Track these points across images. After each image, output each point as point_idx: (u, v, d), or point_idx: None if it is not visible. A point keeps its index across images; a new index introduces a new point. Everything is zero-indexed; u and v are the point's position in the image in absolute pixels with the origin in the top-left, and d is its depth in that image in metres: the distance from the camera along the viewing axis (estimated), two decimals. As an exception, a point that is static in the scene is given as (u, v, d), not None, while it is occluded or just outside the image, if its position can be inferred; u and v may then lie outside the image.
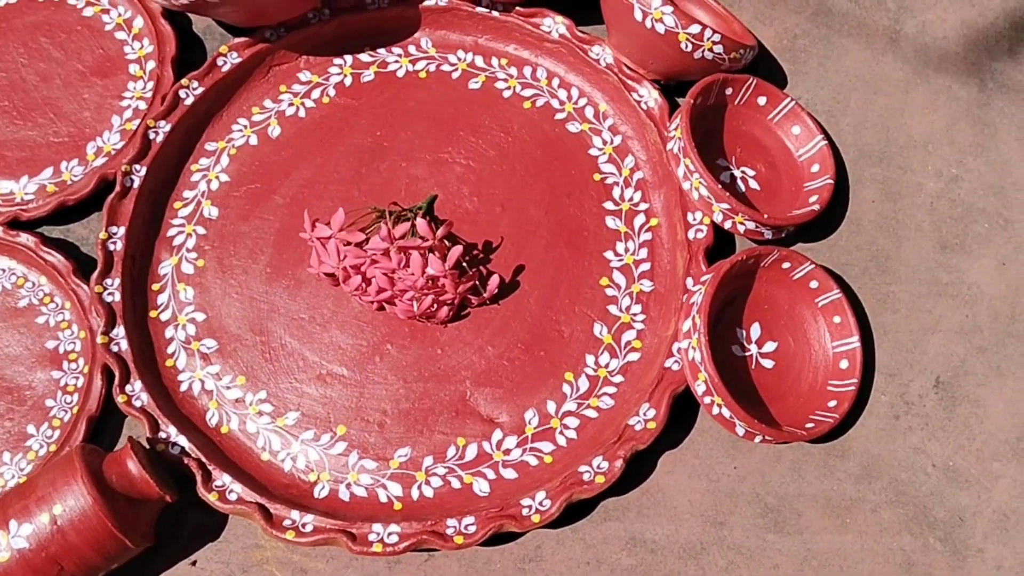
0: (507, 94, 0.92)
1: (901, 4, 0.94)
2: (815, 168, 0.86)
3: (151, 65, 0.94)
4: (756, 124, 0.88)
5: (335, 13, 0.93)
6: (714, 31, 0.81)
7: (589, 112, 0.91)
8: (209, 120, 0.91)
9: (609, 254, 0.85)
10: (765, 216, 0.80)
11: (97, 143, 0.91)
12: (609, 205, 0.87)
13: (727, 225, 0.81)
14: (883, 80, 0.91)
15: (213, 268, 0.85)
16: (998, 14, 0.94)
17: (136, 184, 0.86)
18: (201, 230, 0.87)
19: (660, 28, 0.81)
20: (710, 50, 0.82)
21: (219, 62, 0.91)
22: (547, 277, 0.84)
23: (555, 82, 0.92)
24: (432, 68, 0.93)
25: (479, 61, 0.93)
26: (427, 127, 0.90)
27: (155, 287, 0.85)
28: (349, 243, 0.79)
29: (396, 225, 0.81)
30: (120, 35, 0.96)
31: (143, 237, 0.86)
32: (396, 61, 0.93)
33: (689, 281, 0.82)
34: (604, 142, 0.89)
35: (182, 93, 0.89)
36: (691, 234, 0.83)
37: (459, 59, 0.93)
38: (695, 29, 0.81)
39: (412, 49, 0.94)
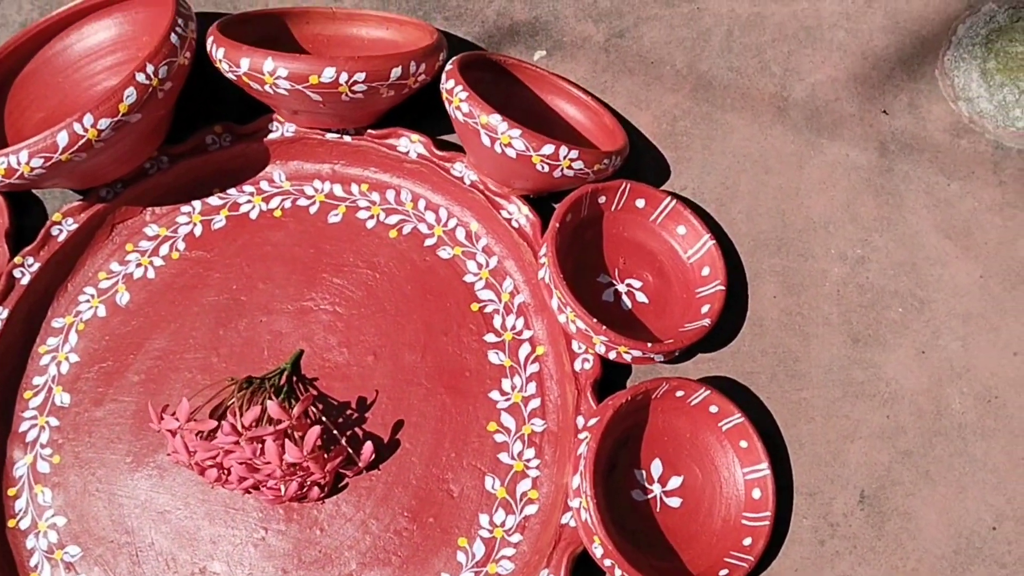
0: (371, 224, 0.84)
1: (786, 66, 0.87)
2: (705, 271, 0.78)
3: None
4: (638, 228, 0.81)
5: (174, 159, 0.86)
6: (569, 148, 0.73)
7: (460, 234, 0.83)
8: (53, 295, 0.84)
9: (495, 394, 0.78)
10: (649, 345, 0.72)
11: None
12: (491, 337, 0.80)
13: (611, 356, 0.74)
14: (774, 157, 0.84)
15: (70, 463, 0.78)
16: (894, 63, 0.86)
17: (-23, 386, 0.79)
18: (54, 421, 0.80)
19: (511, 152, 0.74)
20: (569, 168, 0.74)
21: (54, 231, 0.83)
22: (429, 430, 0.77)
23: (421, 204, 0.85)
24: (288, 204, 0.85)
25: (338, 190, 0.86)
26: (287, 273, 0.83)
27: (11, 492, 0.78)
28: (201, 432, 0.72)
29: (255, 396, 0.74)
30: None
31: (-9, 442, 0.79)
32: (248, 201, 0.86)
33: (580, 420, 0.74)
34: (479, 265, 0.82)
35: (17, 272, 0.82)
36: (578, 364, 0.76)
37: (316, 190, 0.86)
38: (548, 150, 0.73)
39: (264, 185, 0.86)
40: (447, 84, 0.76)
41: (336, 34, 0.90)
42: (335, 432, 0.75)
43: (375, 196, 0.85)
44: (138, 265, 0.84)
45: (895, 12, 0.87)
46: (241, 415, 0.72)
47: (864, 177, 0.83)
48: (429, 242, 0.83)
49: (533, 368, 0.79)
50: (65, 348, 0.82)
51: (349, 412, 0.78)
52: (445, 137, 0.87)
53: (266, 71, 0.75)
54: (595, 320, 0.72)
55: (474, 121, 0.74)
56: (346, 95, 0.76)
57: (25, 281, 0.82)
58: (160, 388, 0.80)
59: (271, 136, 0.86)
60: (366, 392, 0.78)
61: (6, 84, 0.88)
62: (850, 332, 0.79)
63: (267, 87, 0.76)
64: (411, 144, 0.84)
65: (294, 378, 0.78)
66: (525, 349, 0.79)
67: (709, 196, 0.83)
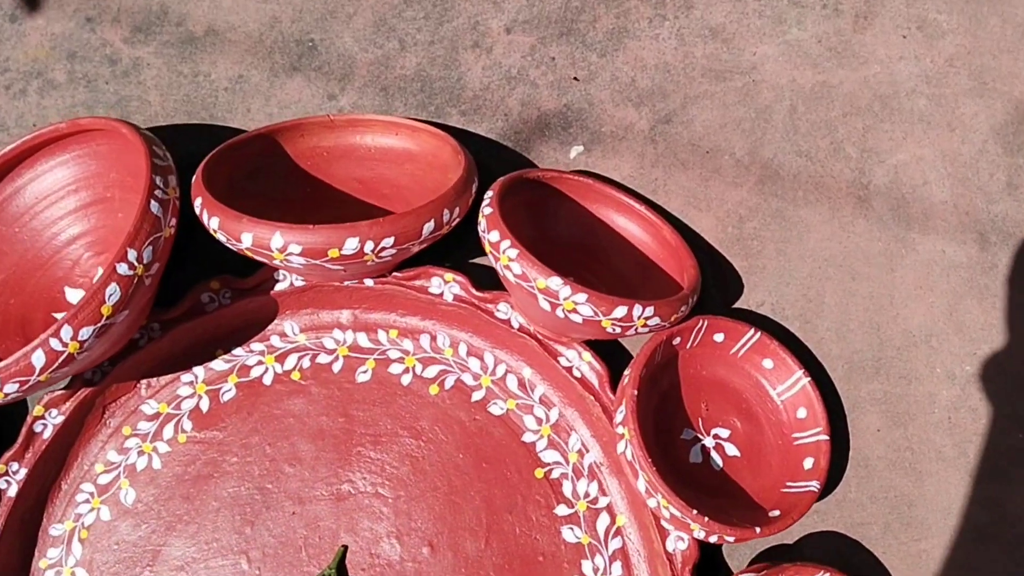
0: (407, 380, 0.73)
1: (863, 146, 0.75)
2: (801, 413, 0.68)
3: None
4: (718, 364, 0.70)
5: (167, 326, 0.73)
6: (644, 306, 0.62)
7: (512, 383, 0.72)
8: (46, 498, 0.72)
9: (575, 579, 0.68)
10: (758, 530, 0.62)
11: (-87, 554, 0.71)
12: (562, 510, 0.69)
13: (712, 540, 0.64)
14: (860, 259, 0.73)
15: None
16: (986, 136, 0.75)
17: (-30, 623, 0.67)
18: (68, 652, 0.69)
19: (576, 318, 0.62)
20: (644, 325, 0.63)
21: (37, 427, 0.71)
22: (505, 632, 0.67)
23: (462, 349, 0.73)
24: (306, 363, 0.73)
25: (363, 340, 0.74)
26: (316, 451, 0.71)
27: None
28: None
29: None
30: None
31: None
32: (259, 362, 0.74)
33: (680, 610, 0.65)
34: (539, 420, 0.71)
35: (2, 483, 0.70)
36: (670, 544, 0.66)
37: (337, 342, 0.74)
38: (620, 312, 0.62)
39: (276, 341, 0.74)
40: (491, 236, 0.64)
41: (337, 145, 0.77)
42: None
43: (407, 344, 0.73)
44: (140, 453, 0.72)
45: (981, 71, 0.76)
46: None
47: (965, 277, 0.72)
48: (477, 396, 0.72)
49: (615, 544, 0.69)
50: (69, 561, 0.71)
51: (411, 618, 0.68)
52: (478, 262, 0.75)
53: (274, 247, 0.62)
54: (695, 512, 0.62)
55: (529, 285, 0.62)
56: (372, 261, 0.64)
57: (13, 492, 0.70)
58: (186, 605, 0.69)
59: (279, 287, 0.73)
60: (427, 591, 0.68)
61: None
62: (967, 466, 0.69)
63: (276, 261, 0.64)
64: (445, 285, 0.72)
65: (342, 582, 0.68)
66: (604, 520, 0.69)
67: (791, 312, 0.73)
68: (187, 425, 0.73)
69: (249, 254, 0.64)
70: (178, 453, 0.72)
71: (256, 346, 0.74)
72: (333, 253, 0.62)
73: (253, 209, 0.68)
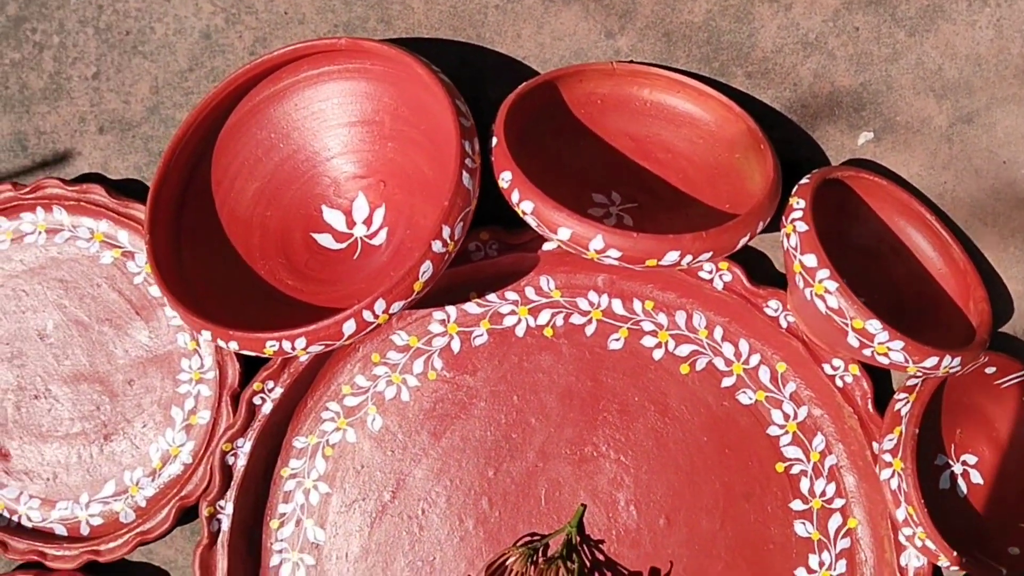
0: (658, 354, 0.73)
1: None
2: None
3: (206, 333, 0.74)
4: (982, 392, 0.71)
5: (431, 269, 0.72)
6: (952, 355, 0.61)
7: (764, 375, 0.72)
8: (293, 411, 0.74)
9: (801, 571, 0.71)
10: (1004, 572, 0.65)
11: (160, 445, 0.75)
12: (797, 505, 0.72)
13: (952, 570, 0.67)
14: None
15: (334, 611, 0.73)
16: None
17: (225, 525, 0.72)
18: (309, 559, 0.73)
19: (883, 360, 0.62)
20: (946, 371, 0.63)
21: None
22: (728, 609, 0.71)
23: (717, 333, 0.73)
24: (559, 321, 0.73)
25: (617, 307, 0.73)
26: (563, 410, 0.73)
27: (270, 634, 0.74)
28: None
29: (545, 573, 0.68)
30: (155, 291, 0.75)
31: (245, 581, 0.73)
32: (512, 312, 0.74)
33: (903, 623, 0.69)
34: (786, 416, 0.72)
35: (257, 400, 0.72)
36: (904, 559, 0.69)
37: (591, 305, 0.73)
38: (931, 362, 0.61)
39: (531, 293, 0.74)
40: (805, 259, 0.62)
41: (612, 93, 0.73)
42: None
43: (662, 318, 0.73)
44: (388, 383, 0.74)
45: None
46: None
47: None
48: (727, 382, 0.73)
49: (844, 543, 0.72)
50: (312, 475, 0.74)
51: (641, 584, 0.72)
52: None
53: (592, 248, 0.60)
54: (955, 553, 0.64)
55: (843, 321, 0.61)
56: (679, 269, 0.62)
57: (267, 409, 0.72)
58: (427, 534, 0.73)
59: (547, 247, 0.72)
60: (659, 562, 0.72)
61: (208, 142, 0.72)
62: None
63: (588, 257, 0.62)
64: (716, 272, 0.70)
65: (578, 540, 0.71)
66: (835, 521, 0.72)
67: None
68: (437, 363, 0.74)
69: (560, 244, 0.62)
70: (427, 389, 0.73)
71: (510, 295, 0.74)
72: (651, 263, 0.60)
73: (536, 169, 0.65)
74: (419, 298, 0.61)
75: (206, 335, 0.63)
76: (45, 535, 0.75)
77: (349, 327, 0.60)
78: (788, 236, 0.64)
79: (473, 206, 0.62)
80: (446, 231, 0.60)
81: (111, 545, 0.73)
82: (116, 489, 0.75)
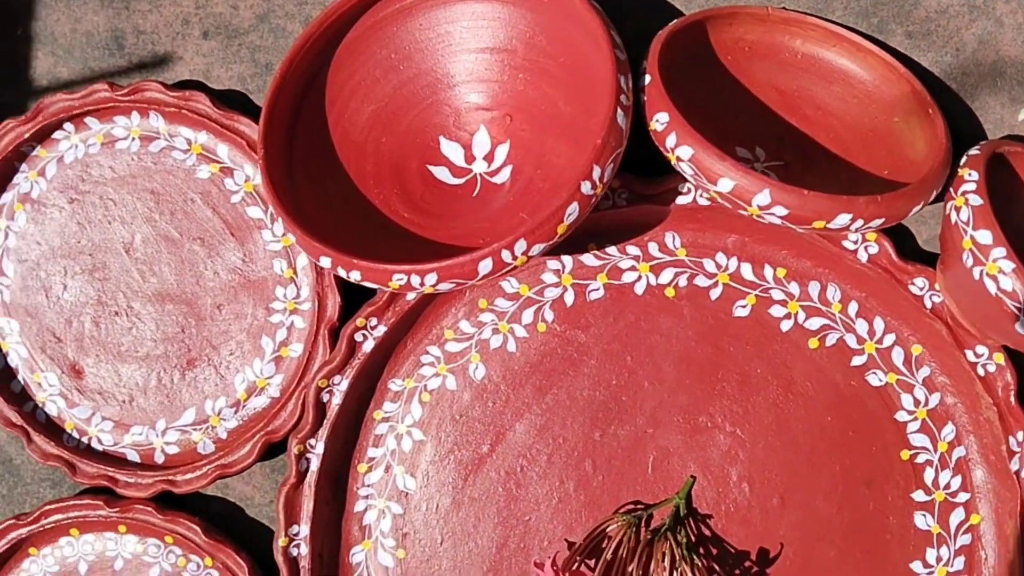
0: (786, 326, 0.68)
1: None
2: None
3: (302, 261, 0.70)
4: None
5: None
6: None
7: (897, 357, 0.68)
8: (392, 352, 0.70)
9: (917, 565, 0.68)
10: None
11: (246, 375, 0.71)
12: (919, 495, 0.68)
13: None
14: None
15: (418, 565, 0.69)
16: None
17: (314, 465, 0.68)
18: (396, 507, 0.70)
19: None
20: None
21: (401, 288, 0.67)
22: (837, 599, 0.68)
23: (851, 308, 0.68)
24: (683, 282, 0.69)
25: (746, 271, 0.68)
26: (679, 376, 0.68)
27: (348, 582, 0.70)
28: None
29: (651, 547, 0.64)
30: (254, 212, 0.71)
31: (329, 526, 0.70)
32: (632, 268, 0.69)
33: (1023, 627, 0.65)
34: (917, 402, 0.68)
35: (358, 336, 0.68)
36: (1031, 562, 0.65)
37: (719, 267, 0.68)
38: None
39: (654, 249, 0.69)
40: (979, 235, 0.57)
41: (761, 41, 0.67)
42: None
43: (794, 287, 0.68)
44: (495, 331, 0.69)
45: None
46: (630, 565, 0.63)
47: None
48: (857, 361, 0.68)
49: (964, 540, 0.68)
50: (407, 420, 0.70)
51: (748, 564, 0.68)
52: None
53: (756, 204, 0.56)
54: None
55: (1016, 304, 0.56)
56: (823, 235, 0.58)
57: (368, 347, 0.68)
58: (524, 492, 0.69)
59: (680, 200, 0.67)
60: (768, 542, 0.68)
61: (326, 57, 0.67)
62: None
63: (746, 213, 0.57)
64: (862, 243, 0.66)
65: (685, 513, 0.67)
66: (958, 515, 0.68)
67: None
68: (548, 315, 0.69)
69: (715, 195, 0.58)
70: (535, 341, 0.69)
71: (632, 249, 0.69)
72: (818, 224, 0.56)
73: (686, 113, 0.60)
74: (559, 242, 0.57)
75: (325, 262, 0.58)
76: (117, 460, 0.71)
77: (485, 266, 0.55)
78: (958, 210, 0.59)
79: (623, 147, 0.57)
80: (596, 172, 0.55)
81: (188, 476, 0.70)
82: (196, 418, 0.71)
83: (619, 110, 0.56)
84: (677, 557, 0.63)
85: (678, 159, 0.57)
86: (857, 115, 0.66)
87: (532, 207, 0.61)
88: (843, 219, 0.55)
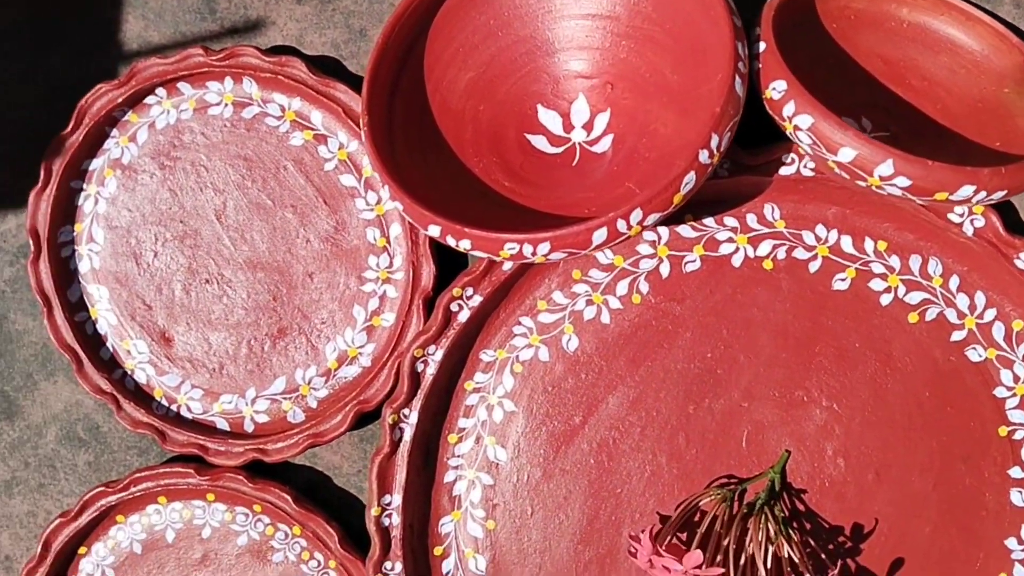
0: (886, 300, 0.68)
1: None
2: None
3: (396, 230, 0.70)
4: None
5: (653, 184, 0.66)
6: None
7: (998, 332, 0.67)
8: (484, 322, 0.69)
9: (1011, 542, 0.67)
10: None
11: (337, 344, 0.70)
12: (1016, 472, 0.67)
13: None
14: None
15: (508, 536, 0.69)
16: None
17: (408, 435, 0.68)
18: (487, 478, 0.70)
19: None
20: None
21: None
22: (932, 575, 0.67)
23: (952, 282, 0.67)
24: (781, 255, 0.68)
25: (846, 244, 0.68)
26: (775, 349, 0.68)
27: (437, 551, 0.70)
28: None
29: (744, 521, 0.63)
30: (347, 180, 0.70)
31: (420, 496, 0.70)
32: (729, 239, 0.68)
33: (1121, 605, 0.65)
34: (1016, 378, 0.67)
35: (454, 306, 0.67)
36: None
37: (818, 239, 0.68)
38: None
39: (752, 221, 0.68)
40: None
41: (867, 9, 0.66)
42: (826, 561, 0.65)
43: (894, 261, 0.67)
44: (588, 302, 0.69)
45: None
46: (725, 539, 0.62)
47: None
48: (957, 336, 0.67)
49: (1061, 518, 0.67)
50: (498, 391, 0.69)
51: (841, 539, 0.68)
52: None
53: (878, 174, 0.55)
54: None
55: None
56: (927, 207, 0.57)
57: (463, 317, 0.67)
58: (616, 465, 0.69)
59: (784, 171, 0.66)
60: (863, 518, 0.67)
61: (425, 23, 0.66)
62: None
63: (866, 184, 0.56)
64: (969, 215, 0.65)
65: (780, 488, 0.67)
66: (1055, 493, 0.67)
67: None
68: (643, 287, 0.68)
69: (830, 164, 0.57)
70: (630, 313, 0.69)
71: (729, 221, 0.68)
72: (940, 196, 0.55)
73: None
74: (675, 211, 0.56)
75: (434, 231, 0.58)
76: (206, 428, 0.71)
77: (600, 235, 0.55)
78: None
79: (740, 116, 0.57)
80: (715, 141, 0.55)
81: (279, 445, 0.69)
82: (286, 387, 0.71)
83: (737, 77, 0.55)
84: (773, 532, 0.63)
85: (796, 128, 0.57)
86: (965, 86, 0.65)
87: (638, 177, 0.61)
88: (966, 190, 0.54)
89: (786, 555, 0.61)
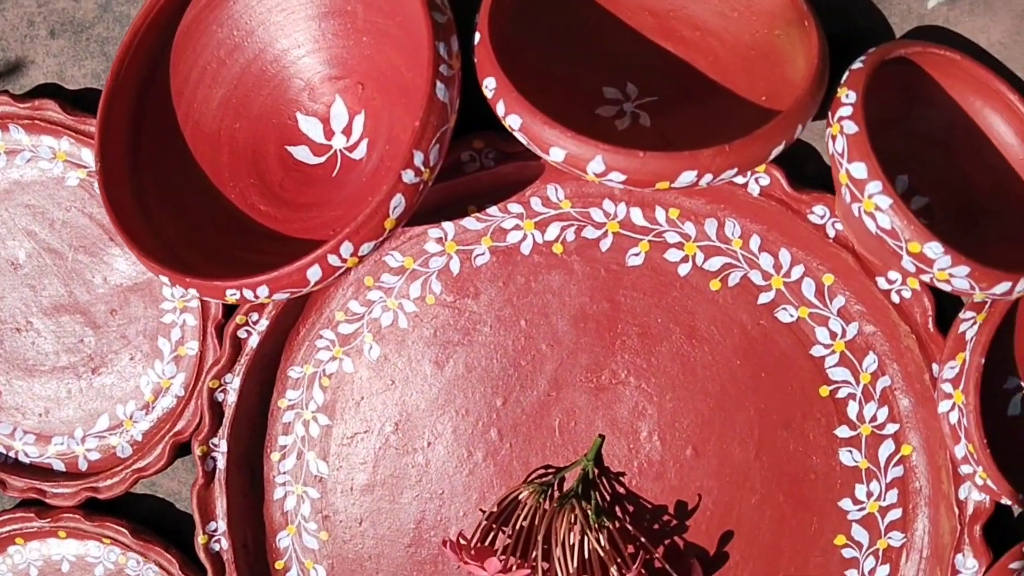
0: (684, 270, 0.64)
1: None
2: None
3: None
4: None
5: (420, 183, 0.63)
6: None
7: (808, 289, 0.63)
8: (285, 340, 0.68)
9: (846, 502, 0.65)
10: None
11: (150, 377, 0.70)
12: (843, 431, 0.64)
13: (1017, 511, 0.59)
14: None
15: (342, 545, 0.70)
16: None
17: (221, 463, 0.68)
18: (313, 492, 0.69)
19: (944, 287, 0.52)
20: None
21: (278, 279, 0.65)
22: (764, 544, 0.66)
23: (753, 243, 0.63)
24: (570, 236, 0.65)
25: (636, 216, 0.64)
26: (576, 335, 0.65)
27: (279, 566, 0.71)
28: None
29: (559, 514, 0.62)
30: (130, 213, 0.69)
31: (249, 515, 0.70)
32: (516, 226, 0.65)
33: (959, 559, 0.62)
34: (833, 335, 0.64)
35: (241, 333, 0.66)
36: (963, 492, 0.62)
37: (607, 215, 0.64)
38: (1002, 288, 0.52)
39: (537, 204, 0.65)
40: (854, 169, 0.52)
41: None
42: (647, 543, 0.64)
43: (689, 228, 0.64)
44: (384, 308, 0.67)
45: None
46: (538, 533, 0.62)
47: None
48: (765, 298, 0.64)
49: (896, 472, 0.64)
50: (311, 406, 0.69)
51: (666, 519, 0.66)
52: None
53: (592, 171, 0.51)
54: (1021, 496, 0.56)
55: (897, 244, 0.51)
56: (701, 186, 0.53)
57: (254, 342, 0.66)
58: (435, 466, 0.68)
59: (551, 154, 0.62)
60: (686, 495, 0.66)
61: (163, 45, 0.63)
62: None
63: (588, 179, 0.53)
64: (751, 175, 0.60)
65: (596, 473, 0.65)
66: (887, 447, 0.64)
67: None
68: (436, 286, 0.66)
69: (555, 166, 0.53)
70: (426, 315, 0.67)
71: (514, 207, 0.65)
72: (662, 185, 0.51)
73: (536, 60, 0.55)
74: (391, 235, 0.53)
75: (164, 280, 0.56)
76: (43, 471, 0.72)
77: (314, 274, 0.53)
78: (834, 139, 0.53)
79: (452, 123, 0.53)
80: (418, 157, 0.51)
81: (109, 482, 0.70)
82: (110, 423, 0.71)
83: (439, 82, 0.51)
84: (581, 523, 0.61)
85: (511, 128, 0.53)
86: (737, 31, 0.60)
87: (379, 190, 0.58)
88: (688, 177, 0.50)
89: (596, 546, 0.60)
